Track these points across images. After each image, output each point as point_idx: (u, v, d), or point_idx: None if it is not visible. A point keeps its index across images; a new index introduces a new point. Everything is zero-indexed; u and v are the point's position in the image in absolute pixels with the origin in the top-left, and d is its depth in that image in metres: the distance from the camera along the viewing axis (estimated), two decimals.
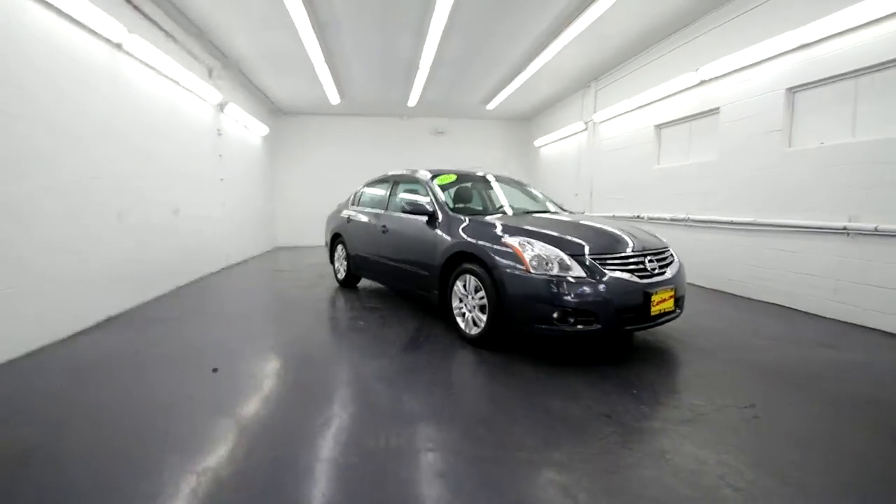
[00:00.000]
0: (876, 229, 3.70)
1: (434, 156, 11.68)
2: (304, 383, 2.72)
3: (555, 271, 2.88)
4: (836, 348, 3.32)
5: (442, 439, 2.04)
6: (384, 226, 4.68)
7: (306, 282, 6.24)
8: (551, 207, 4.60)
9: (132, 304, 4.54)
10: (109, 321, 4.01)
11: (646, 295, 2.93)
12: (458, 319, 3.55)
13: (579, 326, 2.83)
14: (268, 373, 2.93)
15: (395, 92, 9.28)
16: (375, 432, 2.09)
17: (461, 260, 3.50)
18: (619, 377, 2.77)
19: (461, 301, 3.52)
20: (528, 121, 11.96)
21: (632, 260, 3.07)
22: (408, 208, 4.11)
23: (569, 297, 2.81)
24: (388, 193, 4.96)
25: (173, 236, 5.49)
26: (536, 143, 11.20)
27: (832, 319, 4.08)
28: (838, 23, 3.95)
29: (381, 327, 3.92)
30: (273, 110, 10.75)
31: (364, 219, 5.22)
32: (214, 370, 2.86)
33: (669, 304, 3.09)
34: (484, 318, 3.26)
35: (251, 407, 2.37)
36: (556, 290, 2.83)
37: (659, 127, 6.65)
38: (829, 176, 4.17)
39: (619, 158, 7.69)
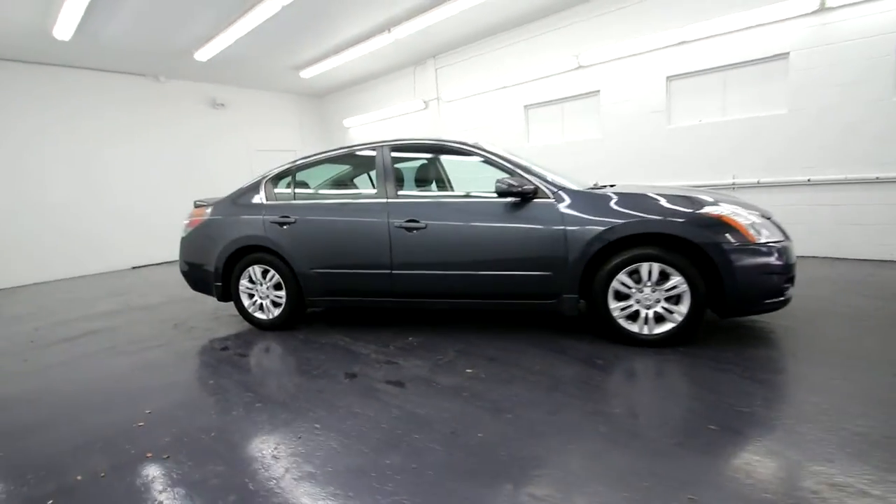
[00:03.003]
0: (758, 182, 5.14)
1: (207, 136, 8.63)
2: None
3: (775, 237, 2.61)
4: None
5: None
6: (411, 221, 3.04)
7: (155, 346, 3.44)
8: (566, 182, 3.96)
9: None
10: None
11: None
12: (626, 323, 2.75)
13: (790, 293, 2.69)
14: None
15: (182, 35, 6.15)
16: None
17: (622, 246, 2.69)
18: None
19: (626, 299, 2.72)
20: (325, 98, 10.36)
21: None
22: (503, 188, 2.80)
23: (791, 263, 2.62)
24: (396, 174, 3.27)
25: None
26: (347, 122, 9.88)
27: None
28: (710, 28, 5.16)
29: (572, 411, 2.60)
30: None
31: (338, 217, 3.27)
32: None
33: None
34: (679, 309, 2.63)
35: None
36: (784, 257, 2.57)
37: (528, 107, 7.05)
38: (708, 146, 5.49)
39: (476, 138, 7.71)
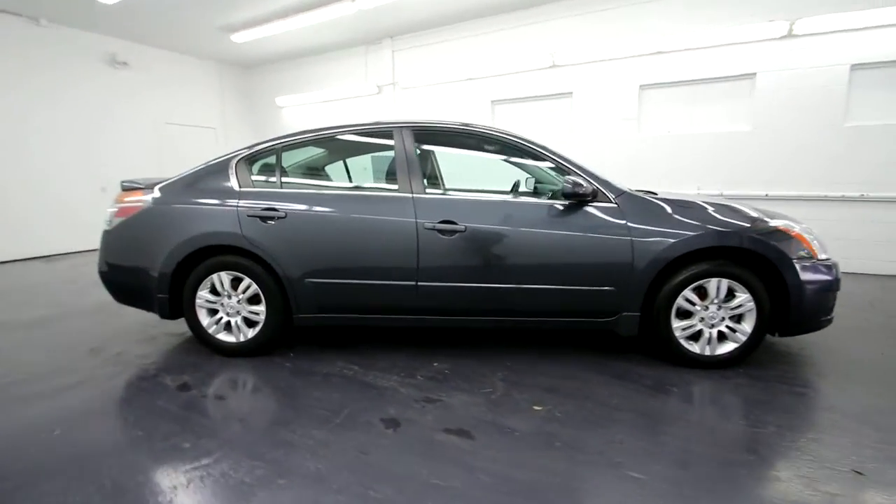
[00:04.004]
0: (721, 194, 5.39)
1: (101, 101, 6.99)
2: None
3: (827, 253, 2.55)
4: None
5: None
6: (447, 223, 2.47)
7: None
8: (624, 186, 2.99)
9: None
10: None
11: None
12: (687, 343, 2.50)
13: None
14: None
15: None
16: None
17: (688, 260, 2.44)
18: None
19: (687, 317, 2.48)
20: (255, 71, 9.01)
21: None
22: (569, 189, 2.37)
23: (840, 279, 2.58)
24: (423, 165, 2.67)
25: None
26: (281, 101, 8.69)
27: None
28: (686, 41, 5.28)
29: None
30: None
31: (346, 213, 2.57)
32: None
33: None
34: (742, 328, 2.46)
35: None
36: (837, 273, 2.52)
37: (496, 103, 6.72)
38: (675, 156, 5.64)
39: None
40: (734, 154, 5.34)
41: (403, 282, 2.54)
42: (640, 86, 5.70)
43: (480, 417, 2.04)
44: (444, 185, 3.22)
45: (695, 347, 2.52)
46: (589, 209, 2.49)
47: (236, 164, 2.74)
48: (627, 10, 5.59)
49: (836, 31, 4.62)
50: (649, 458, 1.74)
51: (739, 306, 2.45)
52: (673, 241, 2.40)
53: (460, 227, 2.48)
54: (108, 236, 2.77)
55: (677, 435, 1.90)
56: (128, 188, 2.83)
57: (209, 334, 2.71)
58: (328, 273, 2.58)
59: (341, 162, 3.13)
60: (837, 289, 2.52)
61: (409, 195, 2.56)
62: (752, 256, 2.45)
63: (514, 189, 3.41)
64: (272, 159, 2.80)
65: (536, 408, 2.13)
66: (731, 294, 2.45)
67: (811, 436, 1.90)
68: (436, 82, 7.09)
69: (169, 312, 2.71)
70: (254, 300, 2.67)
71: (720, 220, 2.46)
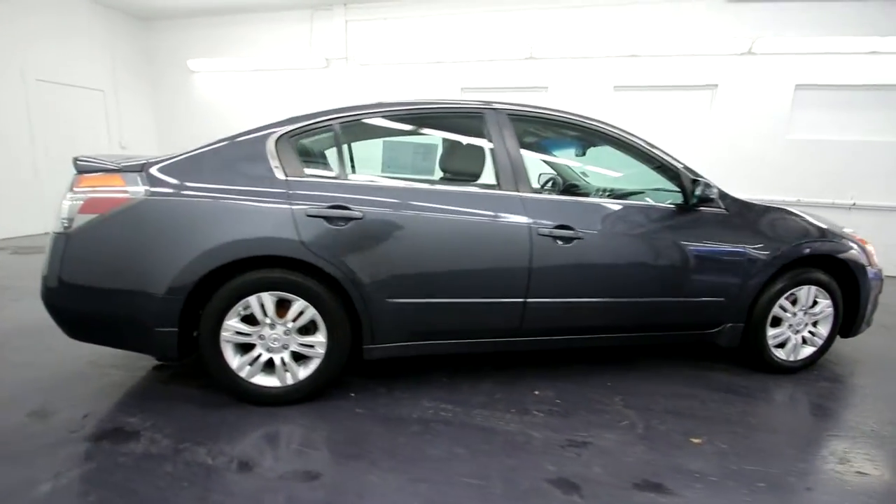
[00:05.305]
0: None
1: None
2: None
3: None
4: None
5: None
6: (562, 228, 2.08)
7: None
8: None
9: None
10: None
11: None
12: (775, 351, 2.50)
13: None
14: None
15: None
16: None
17: (788, 268, 2.42)
18: None
19: (778, 325, 2.48)
20: (158, 25, 7.27)
21: None
22: (702, 193, 2.19)
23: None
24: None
25: None
26: (194, 64, 7.15)
27: None
28: (658, 48, 5.51)
29: None
30: None
31: (443, 213, 2.01)
32: None
33: None
34: (819, 332, 2.54)
35: None
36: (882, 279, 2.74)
37: (466, 90, 6.33)
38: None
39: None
40: (692, 157, 5.72)
41: (510, 299, 2.10)
42: (614, 87, 5.82)
43: (651, 461, 1.74)
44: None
45: (781, 354, 2.54)
46: (707, 215, 2.35)
47: (276, 143, 1.99)
48: (606, 9, 5.63)
49: (786, 53, 5.19)
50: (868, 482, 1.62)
51: (820, 312, 2.52)
52: (784, 249, 2.36)
53: (578, 233, 2.12)
54: (68, 243, 1.81)
55: (861, 470, 1.83)
56: (88, 169, 1.89)
57: (241, 378, 1.95)
58: (419, 290, 2.01)
59: (411, 146, 2.52)
60: (880, 291, 2.74)
61: (517, 194, 2.11)
62: (835, 264, 2.52)
63: (544, 186, 3.20)
64: (328, 139, 2.10)
65: (695, 440, 1.90)
66: (813, 301, 2.52)
67: None
68: (398, 62, 6.43)
69: (178, 351, 1.89)
70: (306, 330, 1.99)
71: (819, 228, 2.50)
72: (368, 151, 2.52)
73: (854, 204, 5.31)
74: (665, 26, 5.49)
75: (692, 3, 5.38)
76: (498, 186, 2.14)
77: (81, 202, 1.82)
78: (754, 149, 5.51)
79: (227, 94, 7.27)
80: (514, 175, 2.14)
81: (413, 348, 2.12)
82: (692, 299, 2.32)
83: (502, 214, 2.07)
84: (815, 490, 1.63)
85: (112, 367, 2.32)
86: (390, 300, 1.99)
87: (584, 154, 2.90)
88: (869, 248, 2.60)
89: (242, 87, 7.19)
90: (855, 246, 2.51)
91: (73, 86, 6.25)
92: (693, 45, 5.41)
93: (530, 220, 2.07)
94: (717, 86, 5.52)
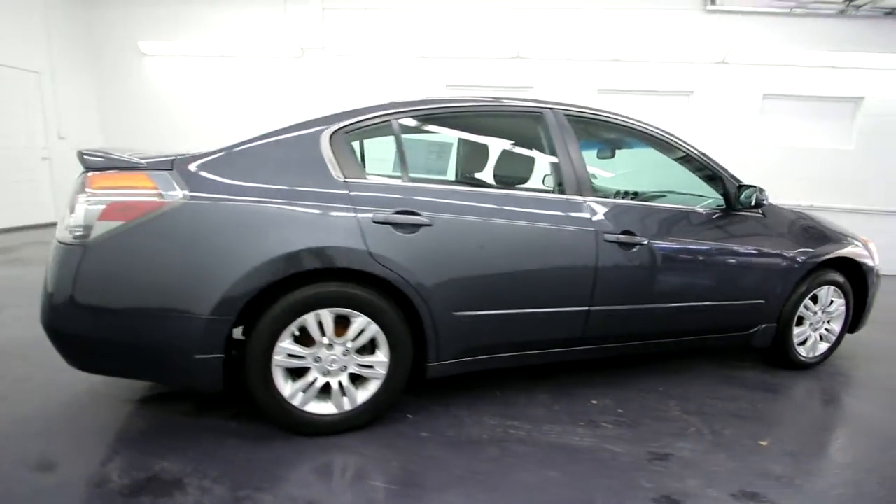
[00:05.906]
0: None
1: None
2: None
3: None
4: None
5: None
6: (627, 234, 2.03)
7: None
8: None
9: None
10: None
11: None
12: (800, 348, 2.62)
13: None
14: None
15: None
16: None
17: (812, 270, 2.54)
18: None
19: (800, 324, 2.60)
20: (104, 1, 6.46)
21: None
22: (751, 199, 2.26)
23: None
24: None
25: None
26: (146, 46, 6.44)
27: None
28: (640, 53, 5.69)
29: None
30: None
31: (511, 220, 1.88)
32: None
33: None
34: (833, 329, 2.70)
35: None
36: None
37: (451, 87, 6.18)
38: (616, 162, 6.07)
39: None
40: (664, 164, 5.99)
41: (574, 308, 2.02)
42: (598, 89, 5.94)
43: (736, 469, 1.74)
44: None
45: (803, 351, 2.67)
46: (749, 219, 2.42)
47: (331, 140, 1.77)
48: (592, 13, 5.72)
49: (756, 63, 5.55)
50: None
51: (835, 311, 2.68)
52: (812, 251, 2.47)
53: (640, 239, 2.08)
54: (85, 256, 1.49)
55: None
56: (101, 165, 1.57)
57: (293, 407, 1.72)
58: (488, 302, 1.88)
59: (469, 145, 2.36)
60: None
61: (581, 198, 2.03)
62: (848, 265, 2.68)
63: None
64: (386, 136, 1.90)
65: (762, 443, 1.92)
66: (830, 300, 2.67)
67: None
68: (379, 54, 6.18)
69: (222, 381, 1.62)
70: (365, 349, 1.79)
71: (834, 232, 2.64)
72: (415, 151, 2.35)
73: (812, 206, 5.79)
74: (646, 33, 5.67)
75: (672, 12, 5.60)
76: (560, 190, 2.05)
77: (103, 206, 1.50)
78: (725, 153, 5.83)
79: (186, 81, 6.64)
80: (577, 179, 2.06)
81: (474, 364, 1.98)
82: (741, 302, 2.38)
83: (568, 218, 1.99)
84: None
85: (114, 398, 1.98)
86: (456, 313, 1.84)
87: (627, 155, 2.89)
88: (871, 246, 2.80)
89: (205, 74, 6.59)
90: (865, 248, 2.69)
91: (1, 65, 5.41)
92: (672, 53, 5.64)
93: (596, 226, 2.01)
94: (692, 92, 5.80)
